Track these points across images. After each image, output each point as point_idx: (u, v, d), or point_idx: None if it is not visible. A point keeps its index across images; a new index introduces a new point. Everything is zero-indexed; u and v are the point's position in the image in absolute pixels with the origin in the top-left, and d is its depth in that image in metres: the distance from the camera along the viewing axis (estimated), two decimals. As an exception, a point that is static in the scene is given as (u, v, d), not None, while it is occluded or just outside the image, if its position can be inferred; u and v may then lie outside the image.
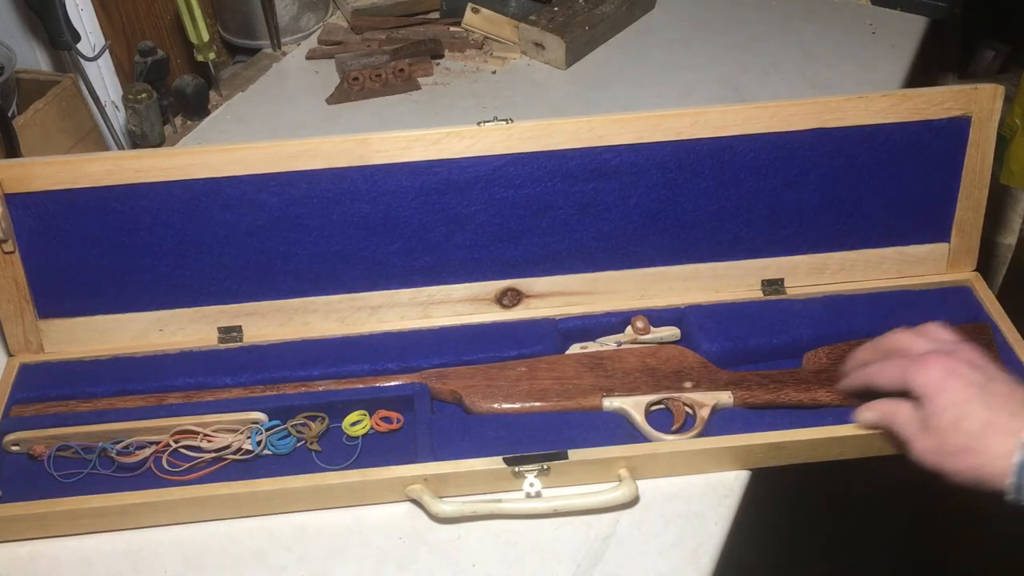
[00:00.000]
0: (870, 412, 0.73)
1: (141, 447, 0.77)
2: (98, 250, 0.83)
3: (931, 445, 0.66)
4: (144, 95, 1.12)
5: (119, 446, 0.77)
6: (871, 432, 0.75)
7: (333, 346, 0.86)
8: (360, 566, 0.73)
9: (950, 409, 0.64)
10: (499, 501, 0.74)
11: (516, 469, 0.74)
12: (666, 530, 0.73)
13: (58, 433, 0.78)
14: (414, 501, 0.76)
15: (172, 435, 0.78)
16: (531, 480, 0.75)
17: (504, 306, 0.89)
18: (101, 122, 1.17)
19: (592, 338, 0.87)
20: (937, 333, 0.72)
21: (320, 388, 0.81)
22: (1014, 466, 0.61)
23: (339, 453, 0.78)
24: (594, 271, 0.89)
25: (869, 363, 0.73)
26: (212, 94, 1.24)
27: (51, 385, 0.83)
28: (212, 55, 1.22)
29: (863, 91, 0.86)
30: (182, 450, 0.77)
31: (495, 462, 0.74)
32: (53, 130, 1.08)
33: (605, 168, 0.85)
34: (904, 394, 0.69)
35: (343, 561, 0.73)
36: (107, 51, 1.20)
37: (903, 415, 0.69)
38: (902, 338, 0.72)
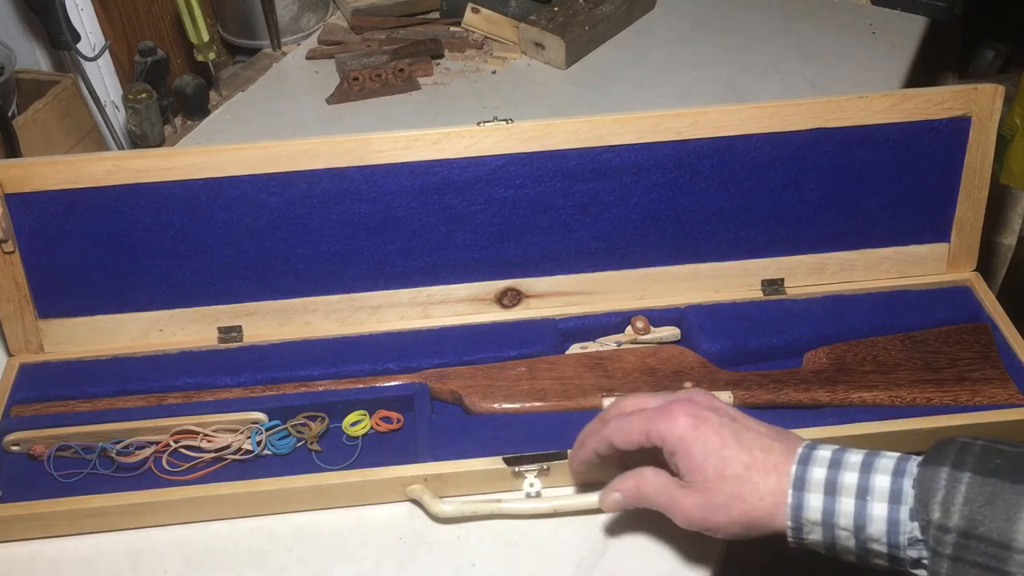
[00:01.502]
0: (614, 494, 0.67)
1: (141, 447, 0.77)
2: (98, 250, 0.83)
3: (697, 502, 0.62)
4: (144, 95, 1.12)
5: (119, 446, 0.77)
6: (871, 431, 0.75)
7: (333, 346, 0.86)
8: (360, 566, 0.73)
9: (710, 457, 0.61)
10: (499, 501, 0.74)
11: (516, 469, 0.74)
12: (666, 530, 0.73)
13: (58, 433, 0.78)
14: (414, 501, 0.76)
15: (172, 435, 0.78)
16: (531, 480, 0.75)
17: (504, 306, 0.89)
18: (101, 122, 1.17)
19: (592, 338, 0.87)
20: (656, 398, 0.68)
21: (320, 388, 0.81)
22: (790, 509, 0.60)
23: (339, 453, 0.78)
24: (594, 271, 0.89)
25: (600, 429, 0.68)
26: (212, 94, 1.24)
27: (51, 385, 0.83)
28: (212, 55, 1.22)
29: (863, 91, 0.86)
30: (182, 450, 0.77)
31: (495, 462, 0.74)
32: (53, 130, 1.08)
33: (605, 168, 0.85)
34: (642, 457, 0.66)
35: (343, 561, 0.73)
36: (107, 51, 1.20)
37: (650, 484, 0.65)
38: (635, 397, 0.68)
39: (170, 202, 0.82)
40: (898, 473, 0.58)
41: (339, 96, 1.23)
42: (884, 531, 0.57)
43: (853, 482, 0.58)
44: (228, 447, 0.77)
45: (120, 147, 1.20)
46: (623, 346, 0.86)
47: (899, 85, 1.22)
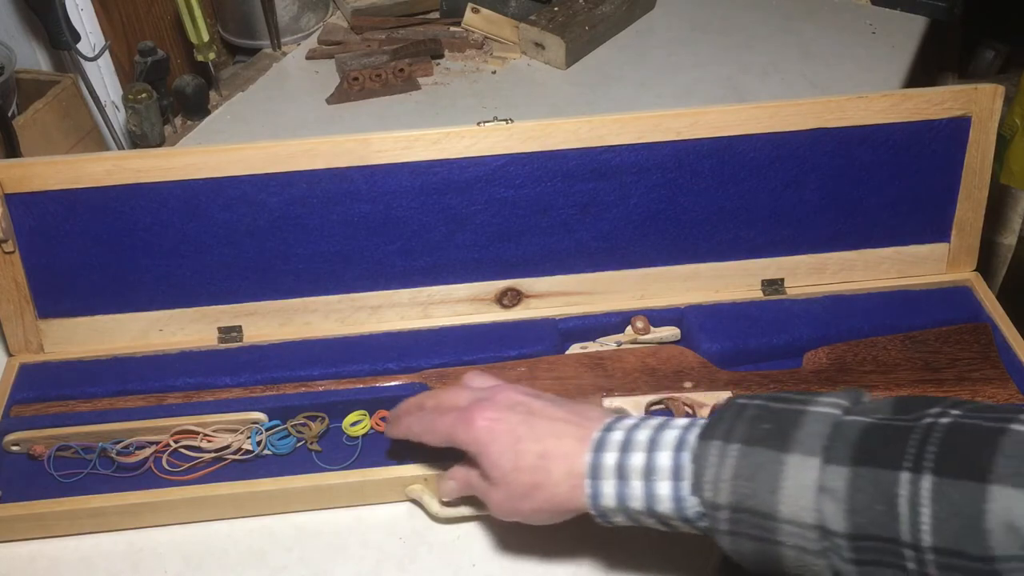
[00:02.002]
0: (451, 482, 0.70)
1: (141, 447, 0.77)
2: (98, 250, 0.83)
3: (502, 496, 0.64)
4: (144, 95, 1.12)
5: (119, 446, 0.77)
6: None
7: (333, 346, 0.86)
8: (360, 566, 0.73)
9: (506, 454, 0.63)
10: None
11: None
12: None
13: (58, 433, 0.78)
14: (414, 501, 0.76)
15: (172, 435, 0.78)
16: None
17: (504, 306, 0.89)
18: (101, 122, 1.17)
19: (592, 338, 0.87)
20: (475, 381, 0.70)
21: (320, 388, 0.81)
22: (589, 499, 0.60)
23: (339, 453, 0.78)
24: (594, 271, 0.89)
25: (414, 416, 0.70)
26: (212, 94, 1.24)
27: (51, 385, 0.83)
28: (212, 55, 1.22)
29: (863, 91, 0.86)
30: (182, 450, 0.77)
31: (495, 462, 0.74)
32: (53, 130, 1.08)
33: (605, 168, 0.85)
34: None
35: (343, 561, 0.73)
36: (107, 51, 1.20)
37: (473, 477, 0.67)
38: (444, 392, 0.70)
39: (170, 202, 0.82)
40: (679, 448, 0.58)
41: (339, 96, 1.23)
42: (672, 508, 0.58)
43: (640, 463, 0.59)
44: (228, 447, 0.77)
45: (120, 147, 1.20)
46: (623, 346, 0.86)
47: (899, 85, 1.22)
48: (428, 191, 0.84)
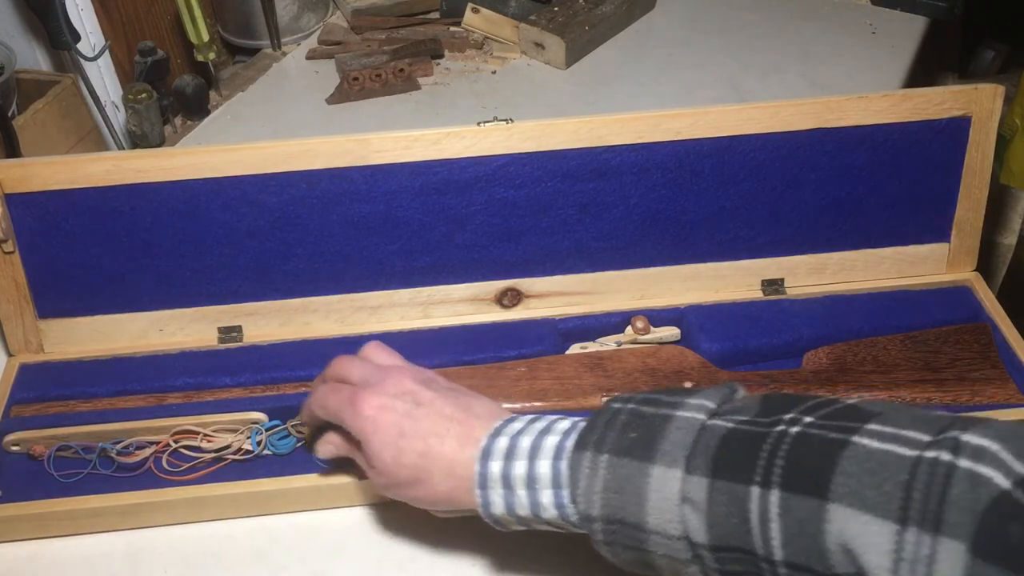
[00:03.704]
0: (329, 446, 0.69)
1: (141, 447, 0.77)
2: (98, 250, 0.83)
3: (383, 481, 0.64)
4: (144, 95, 1.12)
5: (119, 446, 0.77)
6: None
7: (333, 346, 0.86)
8: (360, 566, 0.73)
9: (387, 448, 0.62)
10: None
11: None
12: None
13: (58, 433, 0.77)
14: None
15: (172, 435, 0.77)
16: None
17: (504, 306, 0.89)
18: (101, 122, 1.17)
19: (592, 338, 0.87)
20: (374, 355, 0.70)
21: (320, 388, 0.81)
22: (482, 509, 0.60)
23: (339, 453, 0.78)
24: (594, 271, 0.89)
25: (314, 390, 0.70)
26: (212, 94, 1.24)
27: (51, 385, 0.83)
28: (212, 55, 1.22)
29: (863, 91, 0.86)
30: (182, 450, 0.77)
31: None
32: (53, 130, 1.08)
33: (605, 168, 0.85)
34: None
35: (343, 561, 0.73)
36: (107, 51, 1.20)
37: (356, 453, 0.67)
38: (343, 364, 0.69)
39: (170, 202, 0.82)
40: (557, 456, 0.58)
41: (339, 96, 1.23)
42: (557, 515, 0.58)
43: (523, 471, 0.59)
44: (228, 447, 0.77)
45: (120, 147, 1.20)
46: (623, 346, 0.86)
47: (899, 85, 1.22)
48: (428, 191, 0.84)
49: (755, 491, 0.51)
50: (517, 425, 0.61)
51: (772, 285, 0.90)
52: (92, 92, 1.14)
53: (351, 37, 1.34)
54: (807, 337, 0.85)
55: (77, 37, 1.11)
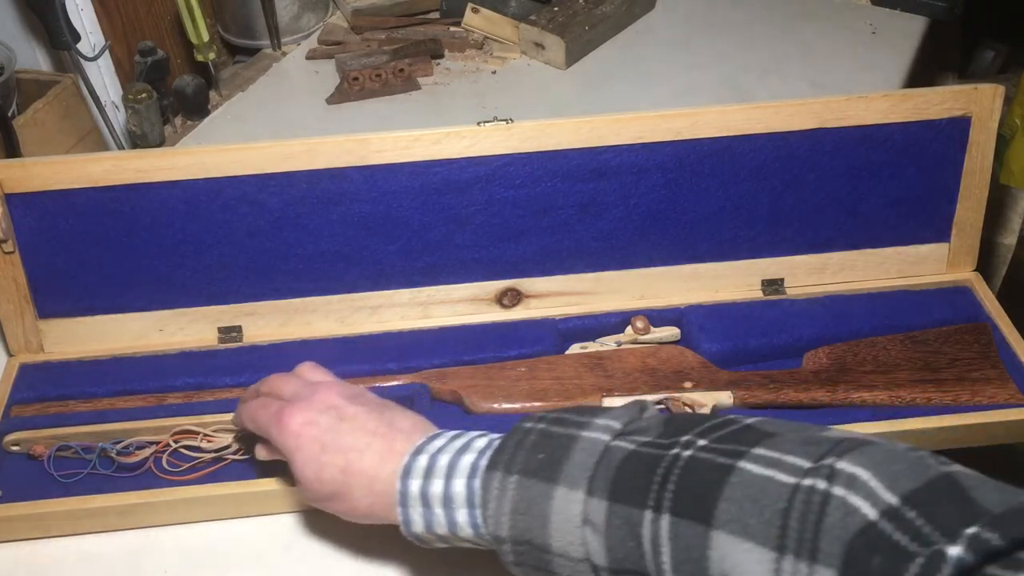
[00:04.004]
0: (263, 451, 0.69)
1: (141, 447, 0.77)
2: (98, 250, 0.83)
3: (309, 496, 0.65)
4: (144, 95, 1.12)
5: (119, 446, 0.77)
6: (871, 431, 0.75)
7: (333, 346, 0.86)
8: (361, 565, 0.73)
9: (309, 464, 0.63)
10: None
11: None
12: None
13: (58, 433, 0.78)
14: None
15: (172, 435, 0.77)
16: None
17: (504, 306, 0.89)
18: (101, 122, 1.17)
19: (592, 338, 0.87)
20: (307, 373, 0.70)
21: (320, 388, 0.81)
22: (403, 527, 0.60)
23: (339, 453, 0.78)
24: (594, 271, 0.89)
25: (247, 403, 0.70)
26: (212, 94, 1.24)
27: (51, 385, 0.83)
28: (212, 55, 1.22)
29: (863, 91, 0.86)
30: (182, 450, 0.77)
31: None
32: (53, 130, 1.08)
33: (605, 168, 0.85)
34: None
35: (344, 560, 0.73)
36: (107, 51, 1.20)
37: (285, 462, 0.67)
38: (276, 380, 0.70)
39: (170, 202, 0.82)
40: (472, 475, 0.58)
41: (339, 96, 1.23)
42: (472, 534, 0.58)
43: (440, 490, 0.59)
44: (228, 447, 0.77)
45: (120, 147, 1.20)
46: (623, 346, 0.86)
47: (899, 85, 1.22)
48: (428, 191, 0.84)
49: (648, 515, 0.51)
50: (438, 443, 0.61)
51: (772, 285, 0.90)
52: (92, 92, 1.14)
53: (351, 37, 1.34)
54: (807, 337, 0.85)
55: (77, 37, 1.11)
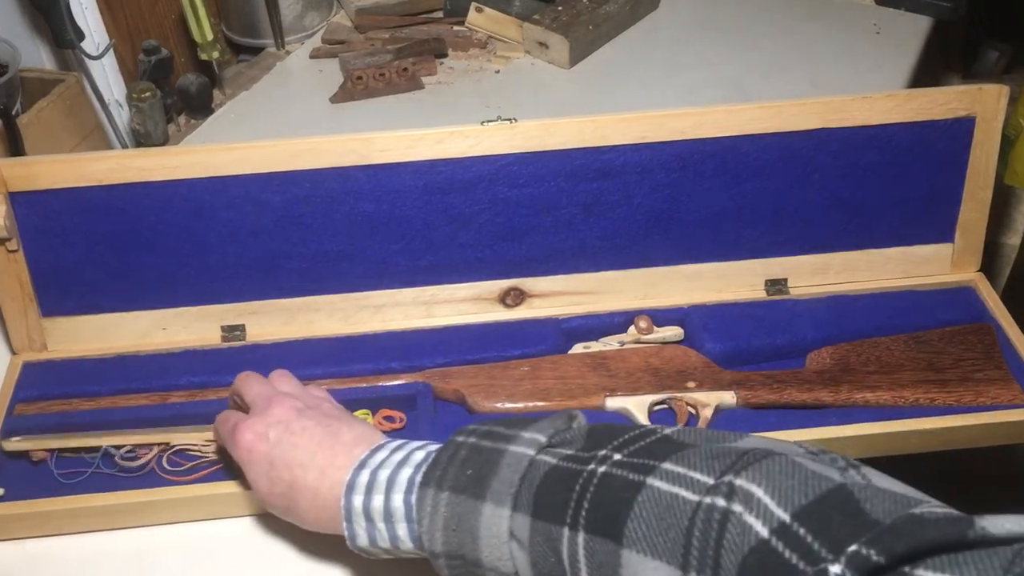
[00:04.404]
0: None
1: (143, 452, 0.77)
2: (102, 249, 0.83)
3: (267, 508, 0.67)
4: (148, 94, 1.12)
5: (123, 450, 0.77)
6: (874, 432, 0.75)
7: (336, 345, 0.86)
8: (362, 564, 0.73)
9: (260, 479, 0.65)
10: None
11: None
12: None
13: (56, 446, 0.77)
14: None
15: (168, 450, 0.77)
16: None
17: (507, 305, 0.89)
18: (105, 121, 1.17)
19: (595, 338, 0.87)
20: (273, 380, 0.72)
21: (323, 387, 0.81)
22: (349, 541, 0.60)
23: (342, 452, 0.78)
24: (597, 271, 0.89)
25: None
26: (216, 93, 1.24)
27: (54, 384, 0.83)
28: (216, 54, 1.22)
29: (867, 91, 0.86)
30: (185, 449, 0.77)
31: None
32: (57, 129, 1.08)
33: (609, 168, 0.85)
34: None
35: (345, 559, 0.73)
36: (111, 50, 1.20)
37: None
38: (243, 380, 0.72)
39: (174, 201, 0.82)
40: (409, 489, 0.58)
41: (343, 95, 1.23)
42: (414, 548, 0.59)
43: (380, 505, 0.59)
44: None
45: (124, 146, 1.20)
46: (626, 346, 0.86)
47: (903, 85, 1.22)
48: (431, 190, 0.84)
49: (566, 533, 0.52)
50: (379, 456, 0.61)
51: (776, 285, 0.90)
52: (96, 91, 1.15)
53: (355, 36, 1.34)
54: (810, 337, 0.85)
55: (81, 36, 1.11)
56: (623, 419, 0.80)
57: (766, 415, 0.80)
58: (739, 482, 0.47)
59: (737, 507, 0.46)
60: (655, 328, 0.87)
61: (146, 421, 0.79)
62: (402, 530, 0.58)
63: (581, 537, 0.51)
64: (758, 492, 0.46)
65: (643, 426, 0.56)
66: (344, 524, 0.60)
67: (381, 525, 0.59)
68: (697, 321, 0.87)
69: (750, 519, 0.45)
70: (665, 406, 0.81)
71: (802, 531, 0.43)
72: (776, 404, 0.80)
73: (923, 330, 0.86)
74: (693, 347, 0.85)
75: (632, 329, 0.87)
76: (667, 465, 0.51)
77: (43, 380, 0.83)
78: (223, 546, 0.74)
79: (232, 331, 0.87)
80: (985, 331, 0.85)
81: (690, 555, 0.46)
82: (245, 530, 0.75)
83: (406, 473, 0.59)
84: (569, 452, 0.56)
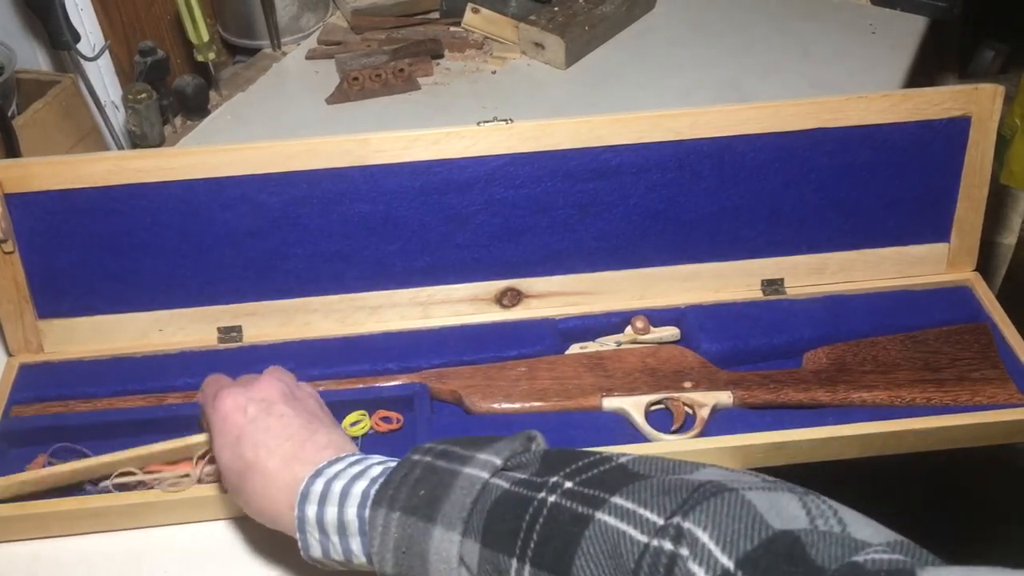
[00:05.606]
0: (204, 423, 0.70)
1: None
2: (98, 250, 0.83)
3: (223, 479, 0.65)
4: (144, 95, 1.12)
5: (111, 482, 0.75)
6: (870, 432, 0.76)
7: (333, 346, 0.86)
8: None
9: (225, 448, 0.63)
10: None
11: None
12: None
13: (33, 479, 0.74)
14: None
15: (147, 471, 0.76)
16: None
17: (504, 306, 0.89)
18: (101, 122, 1.17)
19: (592, 338, 0.87)
20: (270, 372, 0.69)
21: (320, 388, 0.81)
22: (303, 551, 0.59)
23: (339, 453, 0.78)
24: (594, 271, 0.89)
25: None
26: (212, 94, 1.24)
27: (51, 385, 0.83)
28: (212, 55, 1.22)
29: (863, 91, 0.86)
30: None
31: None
32: (53, 130, 1.08)
33: (605, 168, 0.85)
34: None
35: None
36: (107, 51, 1.20)
37: None
38: (241, 377, 0.70)
39: (170, 202, 0.82)
40: (363, 503, 0.57)
41: (339, 96, 1.23)
42: (366, 562, 0.58)
43: (334, 517, 0.58)
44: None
45: (120, 147, 1.20)
46: (623, 346, 0.86)
47: (899, 85, 1.22)
48: (428, 191, 0.84)
49: (513, 564, 0.51)
50: (336, 468, 0.60)
51: (772, 285, 0.90)
52: (92, 92, 1.14)
53: (351, 37, 1.34)
54: (807, 337, 0.85)
55: (77, 37, 1.11)
56: (620, 419, 0.80)
57: (763, 415, 0.80)
58: (687, 525, 0.46)
59: (684, 551, 0.45)
60: (652, 328, 0.87)
61: (144, 423, 0.79)
62: (355, 544, 0.57)
63: (528, 570, 0.51)
64: (703, 537, 0.45)
65: (598, 453, 0.55)
66: (298, 534, 0.59)
67: (335, 538, 0.58)
68: (694, 321, 0.87)
69: (693, 566, 0.45)
70: (662, 406, 0.81)
71: None
72: (773, 404, 0.80)
73: (919, 330, 0.86)
74: (690, 347, 0.85)
75: (629, 329, 0.87)
76: (617, 500, 0.50)
77: (39, 382, 0.83)
78: (220, 548, 0.74)
79: (229, 332, 0.87)
80: (981, 331, 0.85)
81: None
82: (242, 532, 0.75)
83: (360, 486, 0.58)
84: (523, 476, 0.55)
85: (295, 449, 0.62)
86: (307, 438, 0.62)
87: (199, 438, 0.74)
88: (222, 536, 0.75)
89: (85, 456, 0.76)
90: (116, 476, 0.74)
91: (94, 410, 0.81)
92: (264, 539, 0.74)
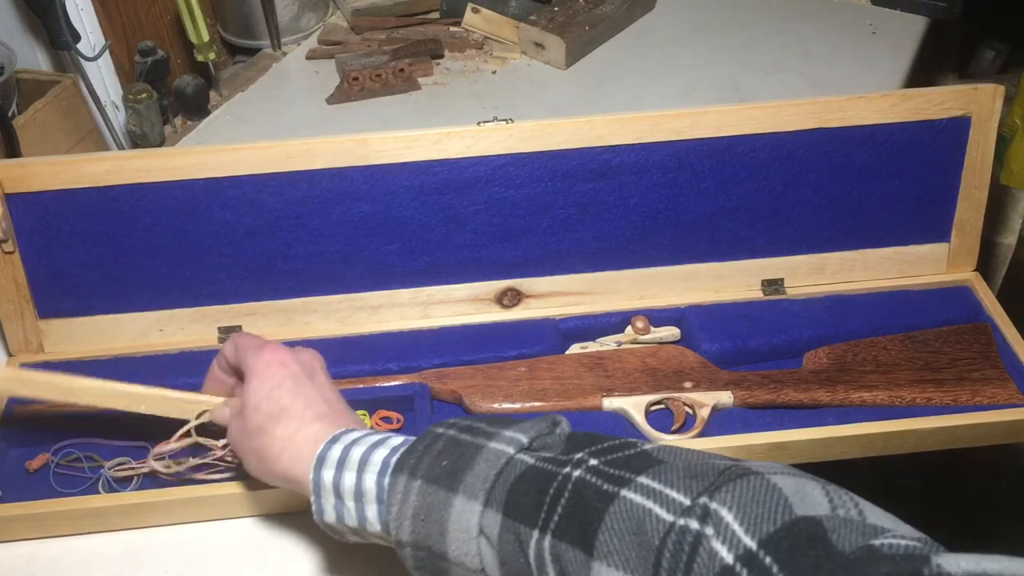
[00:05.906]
0: (226, 410, 0.70)
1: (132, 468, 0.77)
2: (98, 250, 0.83)
3: (237, 427, 0.66)
4: (144, 95, 1.12)
5: (115, 469, 0.76)
6: (871, 432, 0.76)
7: (333, 346, 0.86)
8: (363, 565, 0.73)
9: (259, 390, 0.64)
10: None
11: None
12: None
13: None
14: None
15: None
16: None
17: (504, 306, 0.89)
18: (101, 122, 1.17)
19: (592, 338, 0.87)
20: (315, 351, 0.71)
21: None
22: (316, 515, 0.60)
23: (339, 453, 0.78)
24: (594, 271, 0.89)
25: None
26: (212, 94, 1.24)
27: (51, 385, 0.83)
28: (212, 55, 1.22)
29: (863, 91, 0.86)
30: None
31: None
32: (53, 130, 1.08)
33: (605, 168, 0.85)
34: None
35: (346, 560, 0.73)
36: (107, 51, 1.20)
37: (231, 405, 0.69)
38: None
39: (170, 202, 0.82)
40: (383, 471, 0.57)
41: (339, 96, 1.23)
42: (380, 531, 0.58)
43: (351, 484, 0.58)
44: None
45: (120, 147, 1.20)
46: (623, 346, 0.86)
47: (899, 85, 1.22)
48: (428, 191, 0.84)
49: (535, 535, 0.52)
50: (353, 435, 0.61)
51: (772, 285, 0.90)
52: (92, 92, 1.14)
53: (351, 37, 1.34)
54: (807, 337, 0.85)
55: (77, 37, 1.11)
56: (621, 419, 0.80)
57: (763, 415, 0.80)
58: (713, 504, 0.47)
59: (709, 530, 0.46)
60: (652, 328, 0.87)
61: (144, 423, 0.79)
62: (371, 511, 0.57)
63: (548, 541, 0.51)
64: (728, 517, 0.46)
65: (623, 438, 0.56)
66: (312, 498, 0.59)
67: (351, 504, 0.58)
68: (694, 321, 0.87)
69: (717, 545, 0.45)
70: (662, 406, 0.81)
71: (767, 560, 0.43)
72: (773, 404, 0.80)
73: (919, 330, 0.86)
74: (690, 347, 0.85)
75: (629, 329, 0.87)
76: (643, 479, 0.50)
77: (40, 382, 0.83)
78: (220, 548, 0.74)
79: (229, 332, 0.87)
80: (981, 330, 0.85)
81: (660, 574, 0.46)
82: (242, 532, 0.75)
83: (381, 454, 0.58)
84: (548, 455, 0.55)
85: (329, 413, 0.63)
86: (341, 410, 0.65)
87: (202, 397, 0.74)
88: (222, 536, 0.75)
89: (88, 458, 0.76)
90: (157, 461, 0.74)
91: (94, 410, 0.80)
92: (264, 539, 0.75)
